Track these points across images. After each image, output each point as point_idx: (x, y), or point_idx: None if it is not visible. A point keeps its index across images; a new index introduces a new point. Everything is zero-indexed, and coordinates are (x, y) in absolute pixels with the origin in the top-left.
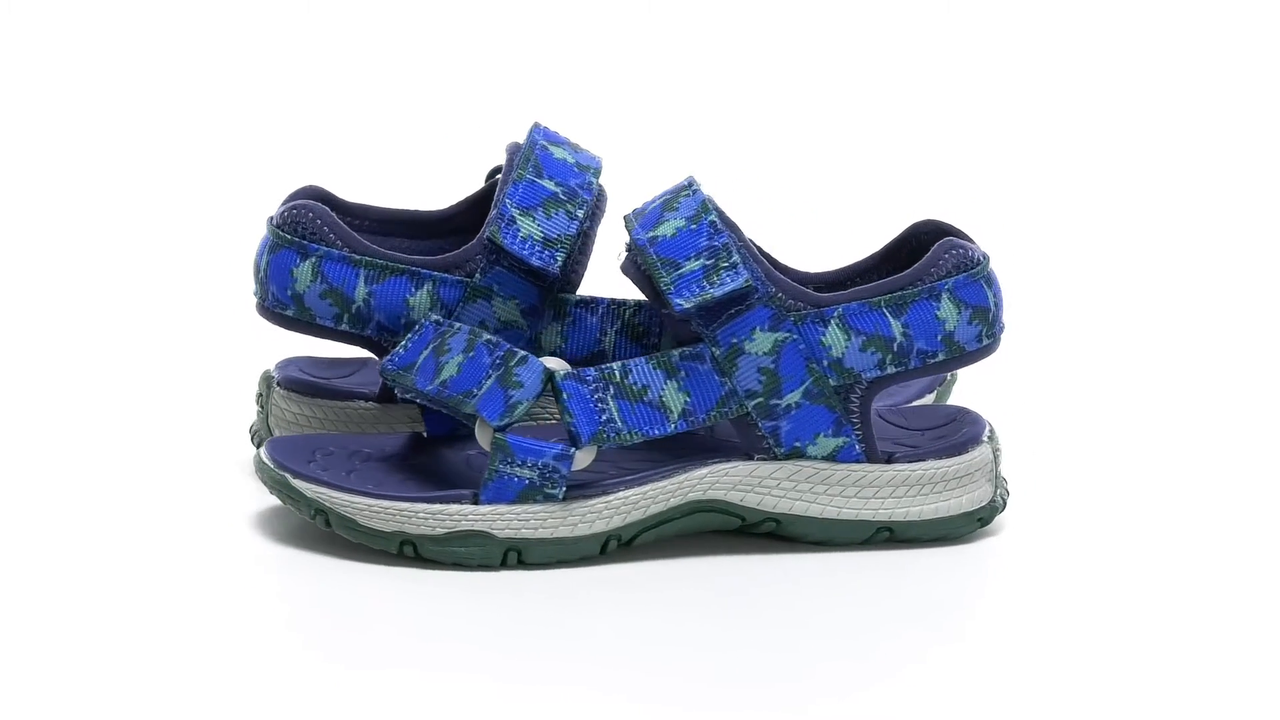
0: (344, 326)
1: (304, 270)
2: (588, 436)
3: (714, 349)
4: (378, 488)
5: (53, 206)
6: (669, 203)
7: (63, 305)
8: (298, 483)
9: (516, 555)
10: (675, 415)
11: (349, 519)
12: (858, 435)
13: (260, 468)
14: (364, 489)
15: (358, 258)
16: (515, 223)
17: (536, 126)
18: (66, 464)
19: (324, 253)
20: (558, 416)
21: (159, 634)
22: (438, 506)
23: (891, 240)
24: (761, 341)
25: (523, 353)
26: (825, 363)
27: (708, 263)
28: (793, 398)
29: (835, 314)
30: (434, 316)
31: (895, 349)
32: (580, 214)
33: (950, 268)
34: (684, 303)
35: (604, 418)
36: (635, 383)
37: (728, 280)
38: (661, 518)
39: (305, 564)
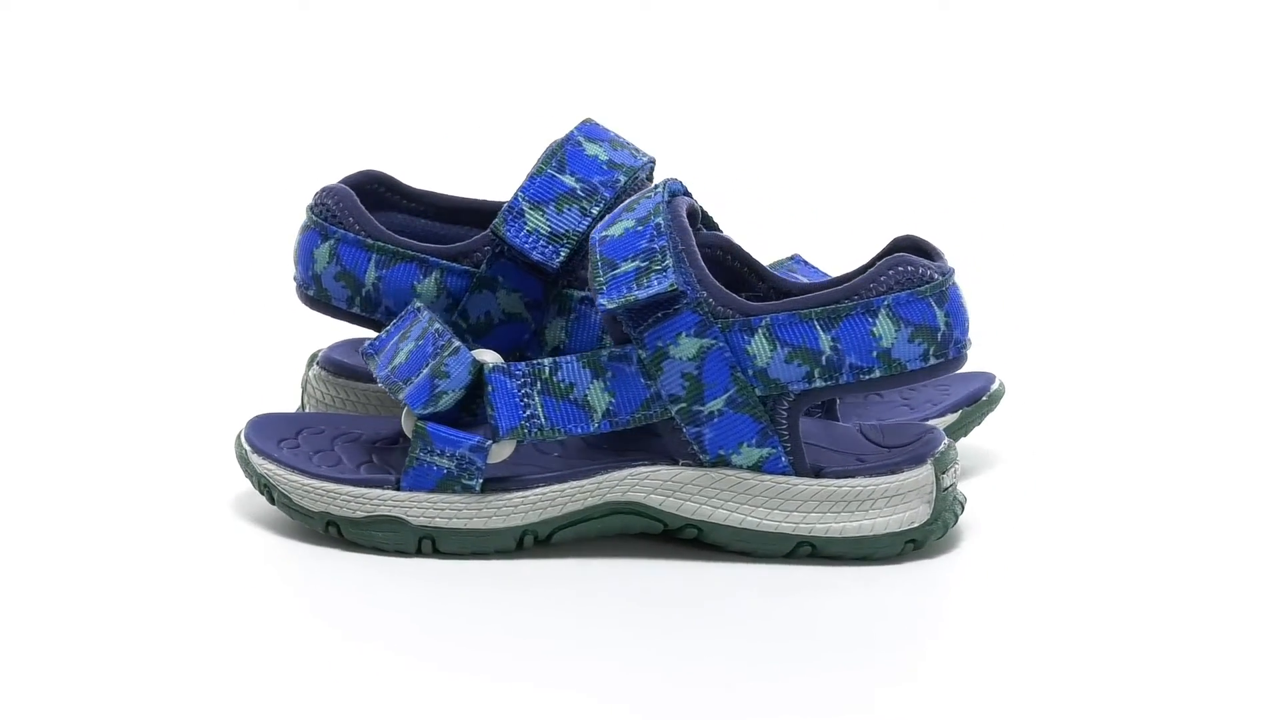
0: (355, 309)
1: (323, 251)
2: (505, 430)
3: (640, 351)
4: (321, 468)
5: (120, 193)
6: (631, 203)
7: (124, 288)
8: (254, 457)
9: (431, 543)
10: (599, 415)
11: (285, 496)
12: (785, 447)
13: (235, 442)
14: (302, 467)
15: (370, 242)
16: (523, 216)
17: (584, 122)
18: (118, 444)
19: (340, 235)
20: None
21: (173, 615)
22: (360, 490)
23: (875, 256)
24: (686, 347)
25: (457, 344)
26: (750, 372)
27: (641, 264)
28: (715, 405)
29: (763, 324)
30: (417, 304)
31: (824, 362)
32: (595, 211)
33: (892, 284)
34: (608, 303)
35: (528, 413)
36: (562, 380)
37: (654, 283)
38: (578, 516)
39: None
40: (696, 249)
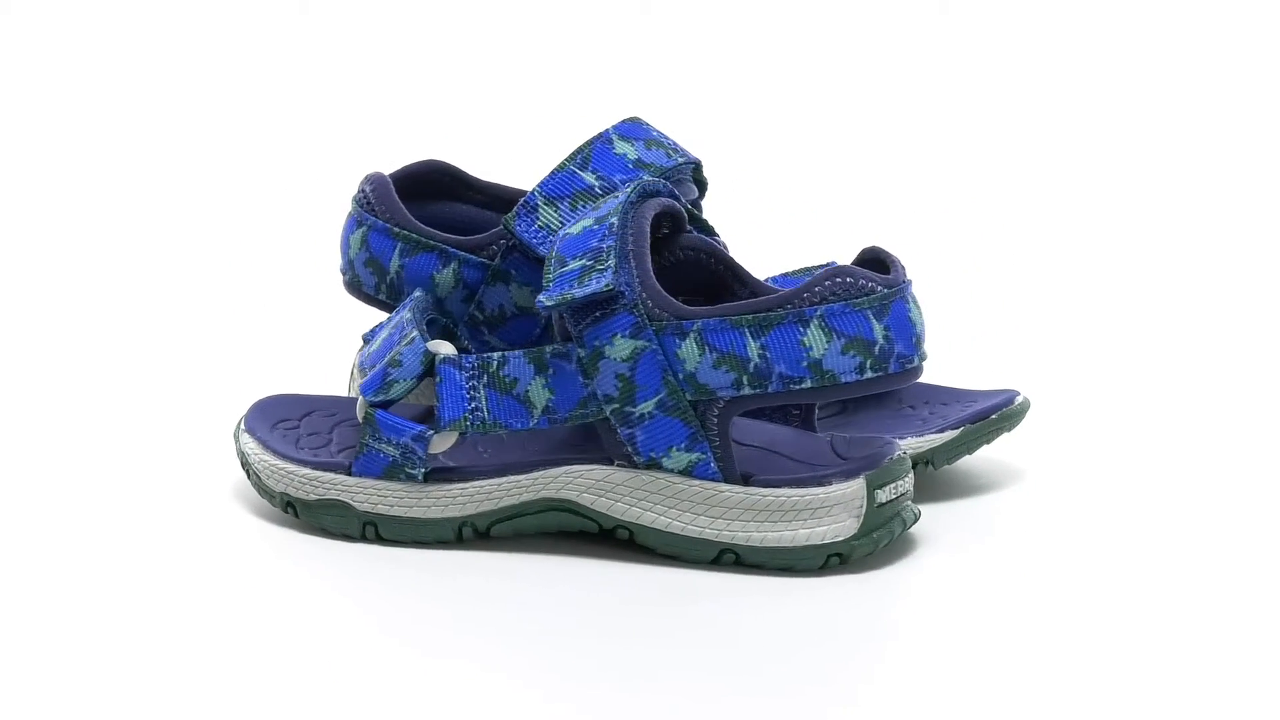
0: (382, 296)
1: (356, 238)
2: (446, 421)
3: (580, 350)
4: (293, 450)
5: (171, 187)
6: (600, 202)
7: (186, 281)
8: (243, 435)
9: (374, 529)
10: (538, 411)
11: (256, 474)
12: (715, 453)
13: (238, 422)
14: (276, 448)
15: (397, 230)
16: (536, 211)
17: (625, 120)
18: (171, 427)
19: (371, 223)
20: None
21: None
22: (315, 473)
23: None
24: (621, 347)
25: (414, 334)
26: (680, 376)
27: (587, 263)
28: (646, 407)
29: (694, 328)
30: (417, 293)
31: (751, 370)
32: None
33: (826, 294)
34: (546, 300)
35: (472, 405)
36: (507, 375)
37: (592, 282)
38: (514, 511)
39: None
40: (648, 251)
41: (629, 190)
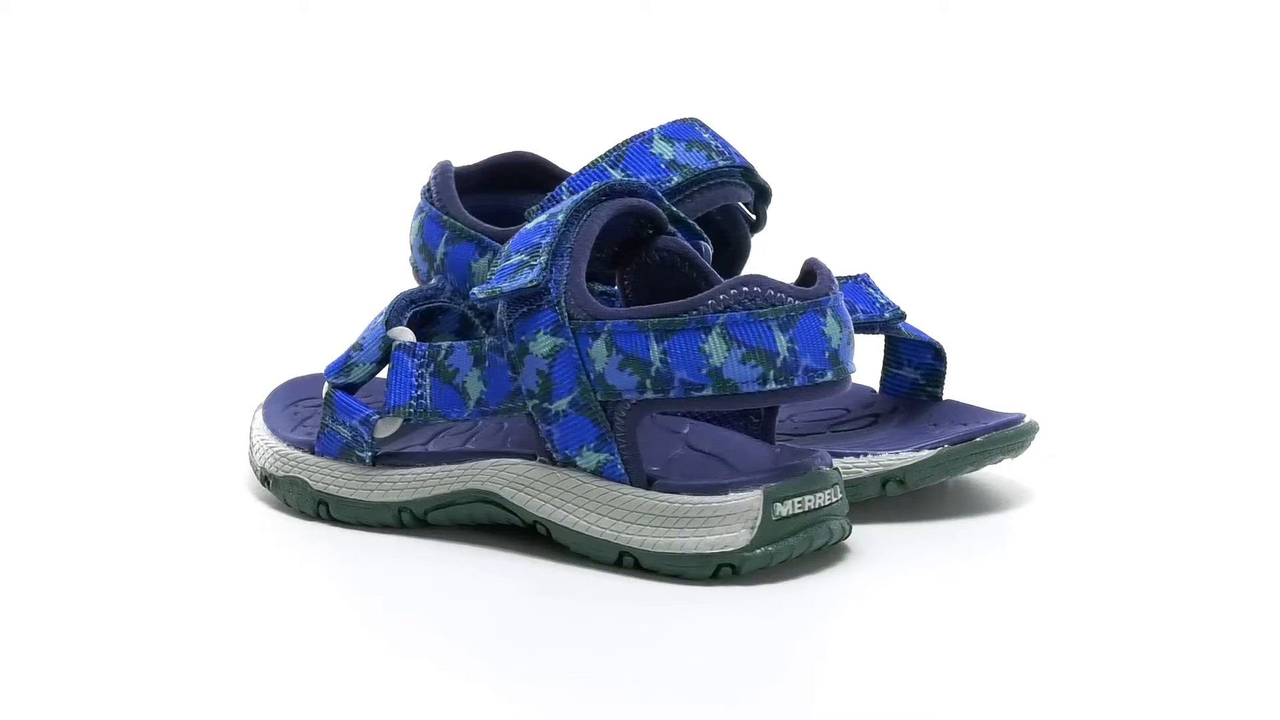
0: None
1: (415, 224)
2: (390, 406)
3: (510, 344)
4: (284, 428)
5: (210, 184)
6: (566, 200)
7: (229, 276)
8: (257, 413)
9: (326, 508)
10: (472, 403)
11: (250, 448)
12: (622, 454)
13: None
14: (271, 425)
15: (445, 219)
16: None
17: (676, 120)
18: (210, 414)
19: (427, 211)
20: None
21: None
22: (287, 450)
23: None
24: (542, 344)
25: (379, 320)
26: (591, 375)
27: (523, 258)
28: (561, 405)
29: (605, 329)
30: (434, 280)
31: (653, 374)
32: None
33: (730, 303)
34: (478, 293)
35: (417, 393)
36: (451, 364)
37: (520, 278)
38: (446, 500)
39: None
40: (588, 250)
41: (590, 189)
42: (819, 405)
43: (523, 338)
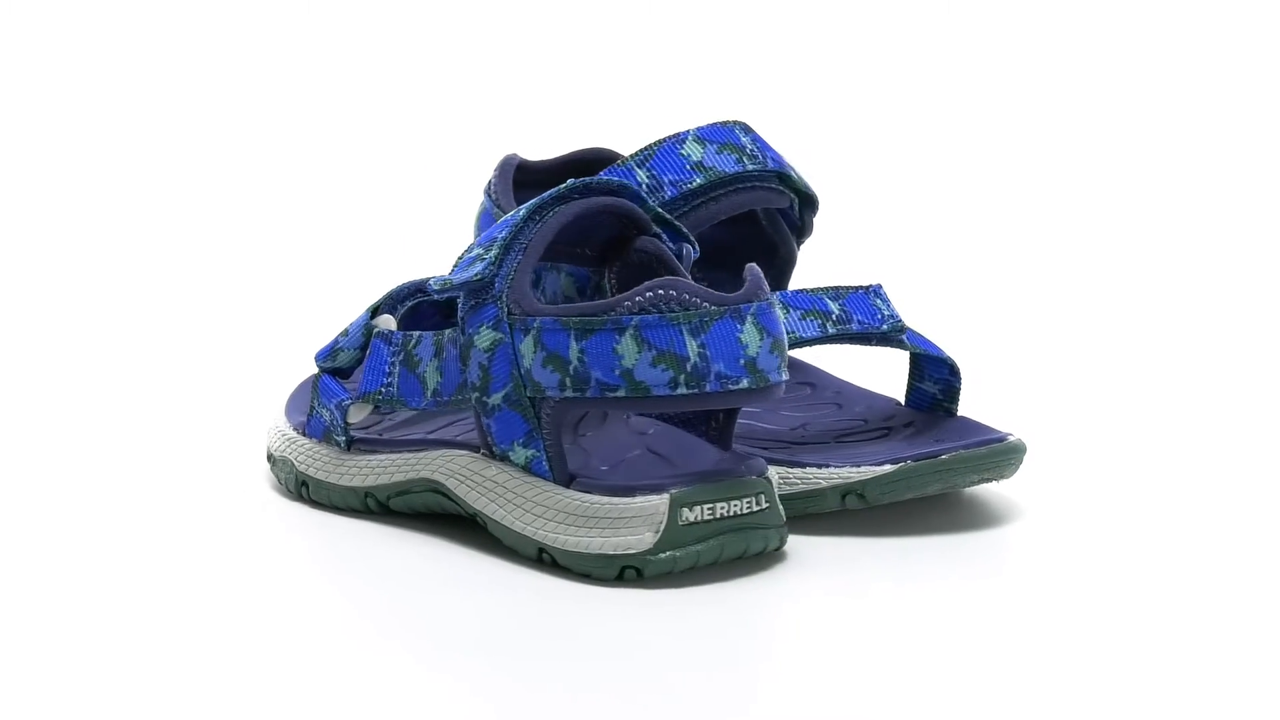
0: None
1: (475, 217)
2: (361, 392)
3: (460, 336)
4: (295, 412)
5: (231, 184)
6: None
7: (254, 273)
8: (286, 402)
9: (306, 489)
10: (429, 392)
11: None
12: (547, 451)
13: None
14: (289, 407)
15: (497, 211)
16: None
17: (716, 122)
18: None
19: (485, 204)
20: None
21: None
22: (287, 429)
23: None
24: (484, 337)
25: (369, 308)
26: (521, 371)
27: (480, 251)
28: (496, 399)
29: (535, 325)
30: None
31: (572, 372)
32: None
33: (645, 305)
34: (434, 284)
35: (387, 380)
36: (417, 354)
37: (469, 271)
38: (402, 487)
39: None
40: (541, 246)
41: (563, 186)
42: (837, 415)
43: (470, 331)
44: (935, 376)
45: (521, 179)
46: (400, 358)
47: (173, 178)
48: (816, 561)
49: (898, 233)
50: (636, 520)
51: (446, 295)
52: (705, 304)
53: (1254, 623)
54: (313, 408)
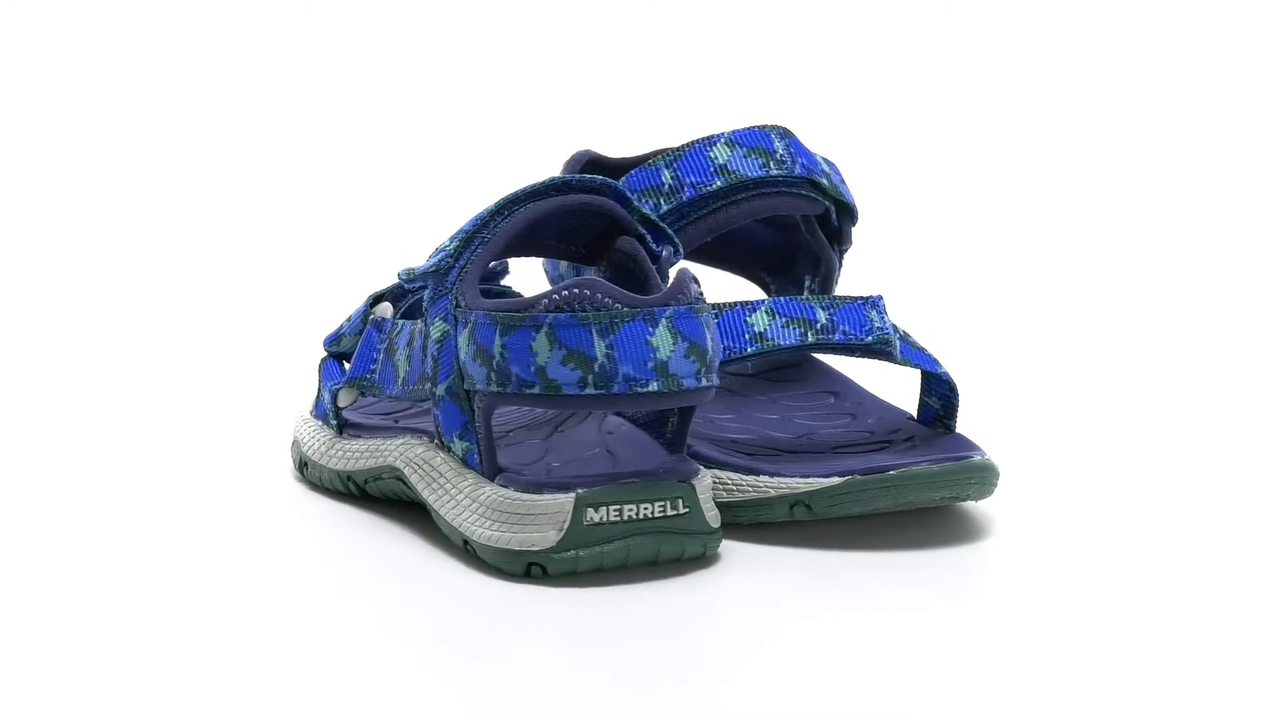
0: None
1: None
2: (349, 377)
3: (424, 326)
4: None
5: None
6: None
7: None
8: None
9: (305, 469)
10: (399, 381)
11: None
12: (479, 444)
13: None
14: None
15: None
16: None
17: (754, 126)
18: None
19: None
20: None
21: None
22: (304, 413)
23: None
24: (436, 328)
25: (372, 296)
26: (459, 363)
27: (446, 243)
28: (440, 390)
29: (472, 319)
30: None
31: (495, 367)
32: (666, 208)
33: (560, 304)
34: (402, 274)
35: (373, 366)
36: (396, 342)
37: (429, 262)
38: (375, 473)
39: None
40: (502, 240)
41: (540, 182)
42: (847, 426)
43: (429, 321)
44: (938, 392)
45: (593, 174)
46: (384, 345)
47: (214, 172)
48: (754, 569)
49: (932, 244)
50: (543, 518)
51: (413, 286)
52: (617, 305)
53: (1225, 641)
54: (319, 390)
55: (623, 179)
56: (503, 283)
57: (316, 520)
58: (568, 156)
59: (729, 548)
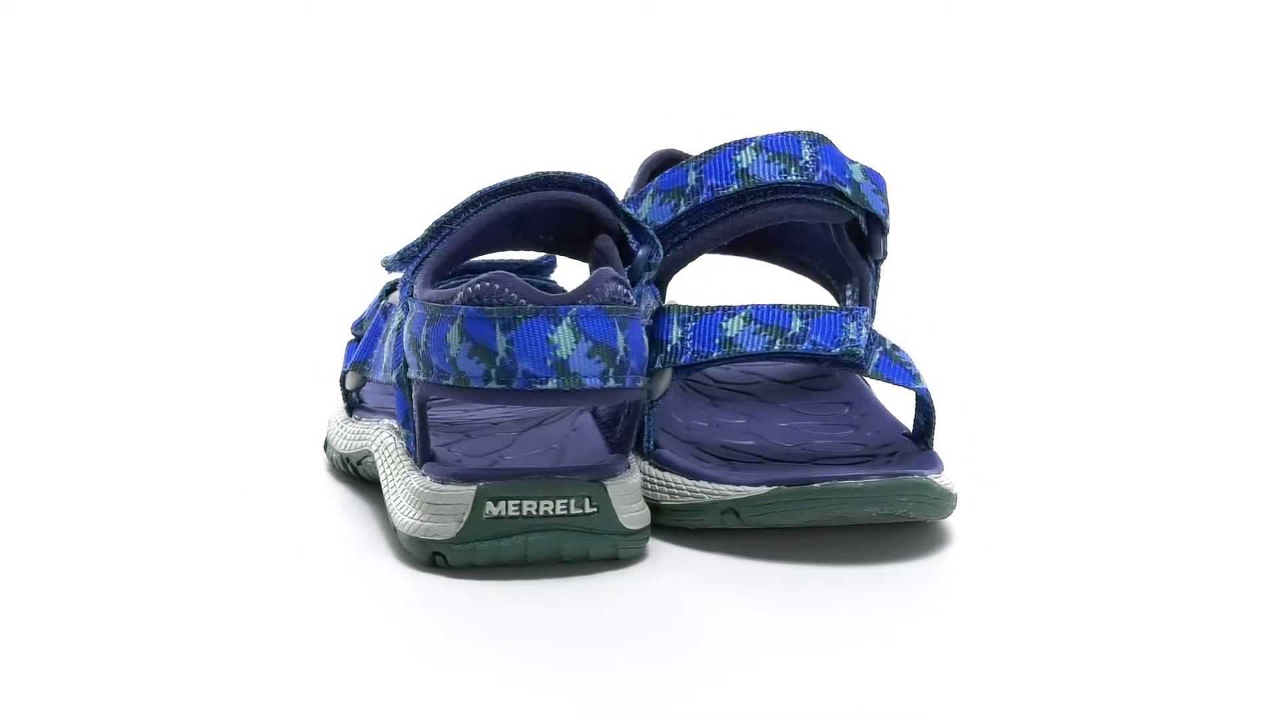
0: None
1: None
2: (352, 361)
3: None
4: None
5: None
6: None
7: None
8: None
9: (327, 447)
10: (387, 365)
11: None
12: (415, 431)
13: None
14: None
15: (620, 204)
16: (644, 199)
17: (787, 132)
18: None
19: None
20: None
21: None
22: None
23: None
24: (397, 317)
25: (390, 282)
26: (403, 351)
27: (423, 233)
28: (393, 377)
29: (414, 308)
30: None
31: (420, 355)
32: (684, 208)
33: (472, 296)
34: (382, 261)
35: (376, 351)
36: (392, 328)
37: (398, 251)
38: (360, 456)
39: None
40: (474, 232)
41: (521, 176)
42: (844, 437)
43: (400, 309)
44: (923, 408)
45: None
46: (385, 331)
47: (247, 168)
48: (674, 571)
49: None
50: (446, 509)
51: (392, 270)
52: (521, 301)
53: (1188, 661)
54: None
55: (658, 178)
56: (551, 277)
57: (309, 501)
58: (646, 155)
59: (662, 550)
